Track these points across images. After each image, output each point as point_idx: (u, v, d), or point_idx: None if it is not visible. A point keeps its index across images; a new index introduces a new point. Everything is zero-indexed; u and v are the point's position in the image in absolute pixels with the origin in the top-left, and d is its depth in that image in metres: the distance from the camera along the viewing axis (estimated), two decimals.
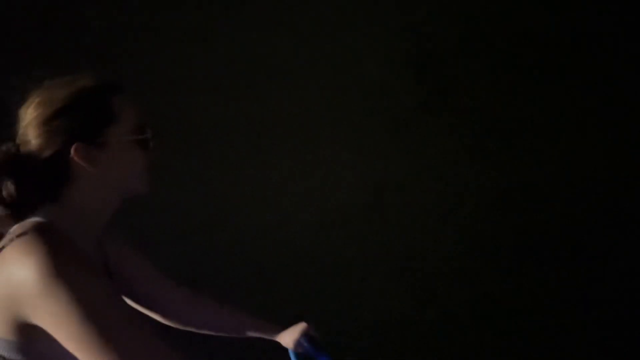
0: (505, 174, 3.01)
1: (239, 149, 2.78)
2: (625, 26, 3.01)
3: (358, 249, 2.93)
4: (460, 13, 2.91)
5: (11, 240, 1.06)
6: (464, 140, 2.98)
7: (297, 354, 1.60)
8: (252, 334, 1.60)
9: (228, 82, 2.74)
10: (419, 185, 2.96)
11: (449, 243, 3.00)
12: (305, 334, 1.57)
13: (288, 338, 1.59)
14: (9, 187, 1.12)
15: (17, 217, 1.13)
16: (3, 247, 1.08)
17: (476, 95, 2.96)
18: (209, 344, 1.98)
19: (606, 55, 3.02)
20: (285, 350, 1.64)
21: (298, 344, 1.57)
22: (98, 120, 1.16)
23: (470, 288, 2.99)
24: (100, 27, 2.56)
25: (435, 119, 2.94)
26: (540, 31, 2.97)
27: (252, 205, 2.81)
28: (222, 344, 1.83)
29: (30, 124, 1.15)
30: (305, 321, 1.60)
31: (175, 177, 2.59)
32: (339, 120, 2.88)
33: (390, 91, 2.90)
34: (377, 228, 2.94)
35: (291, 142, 2.84)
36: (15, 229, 1.11)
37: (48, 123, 1.14)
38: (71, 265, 1.02)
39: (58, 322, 1.01)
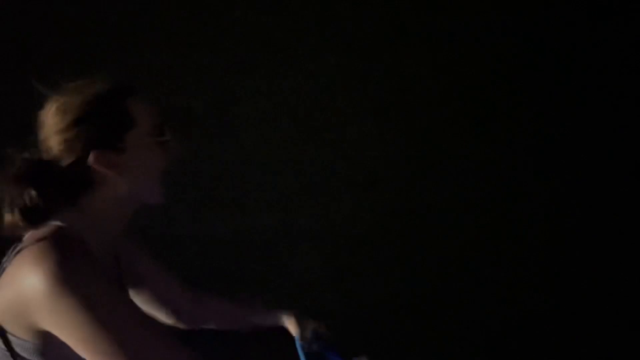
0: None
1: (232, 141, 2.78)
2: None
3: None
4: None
5: (29, 245, 1.07)
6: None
7: (303, 346, 1.59)
8: (260, 322, 1.62)
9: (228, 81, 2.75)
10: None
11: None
12: (315, 333, 1.57)
13: (295, 328, 1.60)
14: (31, 194, 1.12)
15: (34, 222, 1.13)
16: (20, 250, 1.08)
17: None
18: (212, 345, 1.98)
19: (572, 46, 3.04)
20: (289, 342, 1.64)
21: (308, 342, 1.57)
22: (116, 126, 1.16)
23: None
24: (103, 26, 2.56)
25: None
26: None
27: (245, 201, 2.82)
28: (225, 342, 1.83)
29: (50, 131, 1.15)
30: (316, 319, 1.60)
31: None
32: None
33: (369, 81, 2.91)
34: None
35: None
36: (33, 233, 1.12)
37: (68, 131, 1.14)
38: (82, 272, 1.03)
39: (68, 329, 1.03)
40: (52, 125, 1.15)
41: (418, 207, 2.99)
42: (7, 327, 1.08)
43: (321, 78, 2.87)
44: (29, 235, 1.13)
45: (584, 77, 3.04)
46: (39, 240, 1.07)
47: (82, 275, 1.03)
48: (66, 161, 1.14)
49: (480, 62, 2.98)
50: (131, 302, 1.32)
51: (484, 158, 3.01)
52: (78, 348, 1.03)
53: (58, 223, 1.12)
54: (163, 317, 1.53)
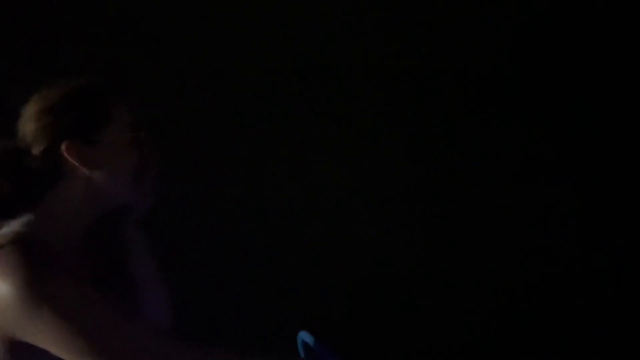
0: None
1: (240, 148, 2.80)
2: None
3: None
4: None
5: None
6: None
7: (304, 343, 1.56)
8: None
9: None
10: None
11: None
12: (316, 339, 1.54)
13: None
14: (4, 185, 1.13)
15: (3, 216, 1.13)
16: None
17: None
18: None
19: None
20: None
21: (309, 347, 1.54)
22: (90, 118, 1.16)
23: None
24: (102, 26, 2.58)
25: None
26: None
27: (252, 204, 2.82)
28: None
29: (25, 118, 1.16)
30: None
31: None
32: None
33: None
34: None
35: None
36: None
37: (41, 119, 1.14)
38: (51, 279, 1.03)
39: (47, 337, 1.02)
40: (28, 112, 1.15)
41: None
42: None
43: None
44: None
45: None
46: (1, 246, 1.06)
47: (52, 279, 1.03)
48: (37, 149, 1.14)
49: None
50: (105, 298, 1.22)
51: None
52: (60, 353, 1.03)
53: (19, 229, 1.10)
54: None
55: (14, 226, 1.11)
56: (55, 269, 1.05)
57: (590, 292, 2.99)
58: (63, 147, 1.14)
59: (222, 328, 2.38)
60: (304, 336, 1.54)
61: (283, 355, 1.37)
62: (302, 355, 1.56)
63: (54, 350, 1.03)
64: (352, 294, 2.90)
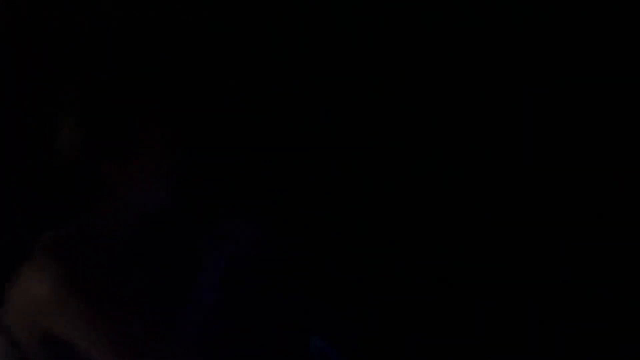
0: None
1: None
2: None
3: None
4: None
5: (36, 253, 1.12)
6: None
7: (317, 349, 1.57)
8: None
9: None
10: None
11: None
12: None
13: None
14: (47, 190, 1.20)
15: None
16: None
17: None
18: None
19: None
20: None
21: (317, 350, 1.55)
22: (122, 132, 1.17)
23: None
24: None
25: None
26: None
27: None
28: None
29: (63, 134, 1.18)
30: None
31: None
32: None
33: None
34: None
35: None
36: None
37: (76, 134, 1.16)
38: (85, 281, 1.08)
39: (81, 333, 1.07)
40: (64, 127, 1.17)
41: None
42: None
43: None
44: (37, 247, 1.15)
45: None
46: (44, 249, 1.11)
47: (86, 281, 1.08)
48: (75, 164, 1.16)
49: None
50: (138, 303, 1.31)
51: None
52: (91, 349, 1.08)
53: (59, 233, 1.16)
54: None
55: (57, 231, 1.16)
56: (93, 269, 1.10)
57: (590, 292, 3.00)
58: (100, 162, 1.16)
59: (230, 333, 2.37)
60: (317, 343, 1.55)
61: None
62: None
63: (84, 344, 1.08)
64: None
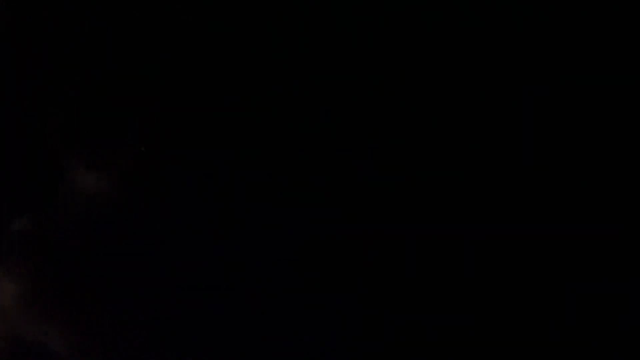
0: None
1: None
2: None
3: None
4: None
5: None
6: None
7: None
8: None
9: None
10: None
11: None
12: None
13: None
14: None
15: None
16: None
17: None
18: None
19: None
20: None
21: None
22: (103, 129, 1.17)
23: None
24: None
25: None
26: None
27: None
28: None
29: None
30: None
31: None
32: None
33: None
34: None
35: None
36: None
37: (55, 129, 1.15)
38: (59, 279, 1.07)
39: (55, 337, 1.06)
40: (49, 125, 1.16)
41: None
42: None
43: None
44: None
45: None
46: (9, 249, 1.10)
47: (59, 280, 1.06)
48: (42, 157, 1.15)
49: None
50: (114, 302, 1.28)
51: None
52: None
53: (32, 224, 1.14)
54: None
55: (24, 225, 1.13)
56: (64, 268, 1.07)
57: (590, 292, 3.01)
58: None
59: (227, 332, 2.37)
60: (315, 343, 1.54)
61: None
62: None
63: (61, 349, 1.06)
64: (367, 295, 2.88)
